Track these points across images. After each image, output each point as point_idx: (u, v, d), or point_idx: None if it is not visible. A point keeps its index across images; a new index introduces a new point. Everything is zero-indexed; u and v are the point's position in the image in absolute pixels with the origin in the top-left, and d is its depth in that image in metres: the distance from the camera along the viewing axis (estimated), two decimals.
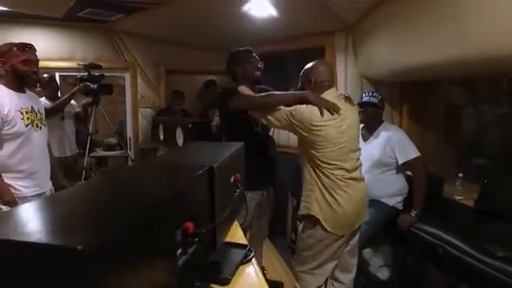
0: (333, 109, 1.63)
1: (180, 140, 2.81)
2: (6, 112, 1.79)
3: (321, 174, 1.68)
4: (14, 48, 1.84)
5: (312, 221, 1.74)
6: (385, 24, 2.33)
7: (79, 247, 0.35)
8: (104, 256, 0.40)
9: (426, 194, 2.16)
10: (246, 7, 2.65)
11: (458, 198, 2.36)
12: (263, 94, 1.85)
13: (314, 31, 3.14)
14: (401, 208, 2.32)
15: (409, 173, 2.37)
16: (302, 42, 3.31)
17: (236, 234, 0.96)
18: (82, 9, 3.03)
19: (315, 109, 1.62)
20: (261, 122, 1.87)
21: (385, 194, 2.31)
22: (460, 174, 2.35)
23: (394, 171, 2.32)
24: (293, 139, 2.35)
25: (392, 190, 2.33)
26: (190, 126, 2.73)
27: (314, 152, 1.67)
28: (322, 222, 1.69)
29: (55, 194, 1.99)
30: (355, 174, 1.74)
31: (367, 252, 2.54)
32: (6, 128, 1.80)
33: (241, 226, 1.27)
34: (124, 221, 0.45)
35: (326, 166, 1.66)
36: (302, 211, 1.80)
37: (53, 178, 2.16)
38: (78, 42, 3.61)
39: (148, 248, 0.51)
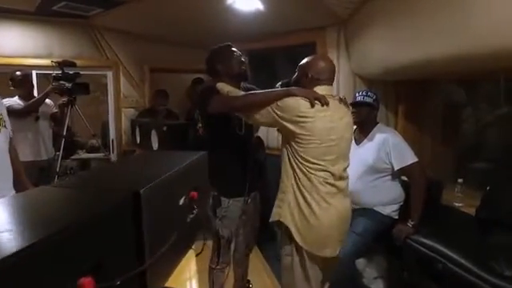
0: (322, 101, 1.46)
1: (155, 144, 2.61)
2: None
3: (299, 173, 1.49)
4: None
5: (286, 233, 1.55)
6: (379, 18, 2.17)
7: None
8: None
9: (425, 202, 1.98)
10: (230, 0, 2.47)
11: (457, 204, 2.19)
12: (243, 93, 1.66)
13: (303, 26, 2.96)
14: (396, 217, 2.14)
15: (405, 178, 2.19)
16: (292, 39, 3.13)
17: (185, 272, 0.77)
18: (56, 2, 2.84)
19: (303, 100, 1.46)
20: (245, 119, 1.70)
21: (379, 202, 2.13)
22: (460, 180, 2.18)
23: (389, 177, 2.14)
24: None
25: (387, 197, 2.15)
26: (164, 128, 2.54)
27: (296, 146, 1.48)
28: (293, 234, 1.50)
29: None
30: (341, 185, 1.55)
31: (360, 262, 2.37)
32: None
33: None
34: None
35: (308, 164, 1.47)
36: (273, 217, 1.61)
37: (17, 183, 1.98)
38: (55, 38, 3.42)
39: None
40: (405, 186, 2.18)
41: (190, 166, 0.77)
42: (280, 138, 1.67)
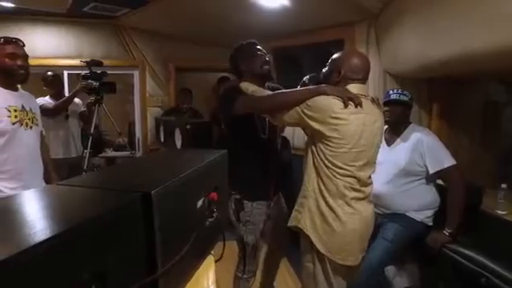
0: (356, 101, 1.35)
1: (179, 142, 2.60)
2: None
3: (324, 177, 1.39)
4: (0, 42, 1.76)
5: (307, 239, 1.46)
6: (413, 11, 2.04)
7: None
8: None
9: (464, 208, 1.83)
10: None
11: (500, 212, 2.01)
12: (270, 93, 1.58)
13: (331, 23, 2.85)
14: (430, 224, 2.00)
15: (440, 182, 2.04)
16: (319, 36, 3.02)
17: (202, 281, 0.71)
18: (85, 3, 2.91)
19: (336, 99, 1.35)
20: (270, 120, 1.63)
21: (411, 207, 2.00)
22: (503, 185, 2.00)
23: (423, 181, 1.99)
24: None
25: (420, 202, 2.01)
26: (188, 127, 2.52)
27: (324, 150, 1.38)
28: (314, 242, 1.41)
29: None
30: (366, 190, 1.45)
31: (390, 270, 2.24)
32: None
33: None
34: None
35: (335, 169, 1.37)
36: (291, 222, 1.52)
37: (47, 180, 2.04)
38: (85, 39, 3.52)
39: None
40: (440, 190, 2.04)
41: (209, 165, 0.72)
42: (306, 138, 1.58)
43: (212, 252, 0.78)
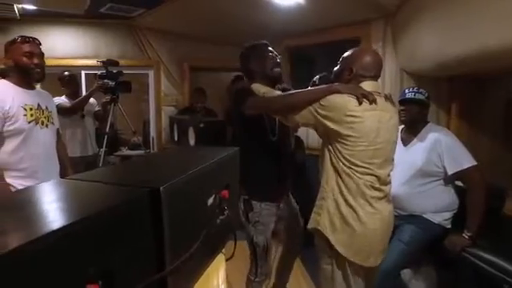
0: (370, 98, 1.32)
1: (192, 140, 2.60)
2: (7, 108, 1.73)
3: (344, 176, 1.36)
4: (17, 41, 1.80)
5: (326, 241, 1.43)
6: (431, 7, 1.99)
7: None
8: None
9: (485, 211, 1.76)
10: None
11: None
12: (282, 93, 1.56)
13: (347, 21, 2.81)
14: (449, 226, 1.94)
15: (459, 183, 1.98)
16: (334, 34, 2.98)
17: (213, 275, 0.70)
18: (102, 4, 2.95)
19: (350, 97, 1.32)
20: (283, 121, 1.60)
21: (428, 208, 1.94)
22: None
23: (441, 182, 1.93)
24: None
25: (438, 204, 1.94)
26: (201, 125, 2.52)
27: (341, 149, 1.36)
28: (334, 244, 1.38)
29: None
30: (386, 189, 1.42)
31: (406, 273, 2.19)
32: (7, 124, 1.74)
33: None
34: None
35: (354, 167, 1.34)
36: (310, 224, 1.50)
37: (64, 176, 2.08)
38: (102, 39, 3.59)
39: None
40: (459, 192, 1.97)
41: (220, 162, 0.70)
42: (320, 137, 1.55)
43: (223, 251, 0.77)
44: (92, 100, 3.23)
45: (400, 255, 1.86)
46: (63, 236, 0.34)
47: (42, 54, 1.85)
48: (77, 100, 3.04)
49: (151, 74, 3.82)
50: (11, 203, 0.44)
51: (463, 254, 1.73)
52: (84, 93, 3.47)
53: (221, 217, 0.72)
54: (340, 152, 1.36)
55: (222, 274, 0.80)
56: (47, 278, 0.33)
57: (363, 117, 1.31)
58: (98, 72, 3.06)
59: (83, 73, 3.79)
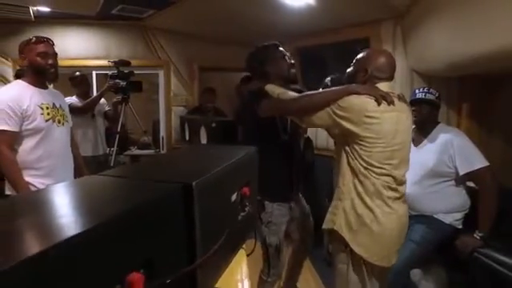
0: (388, 99, 1.33)
1: (204, 140, 2.63)
2: (25, 107, 1.77)
3: (362, 177, 1.37)
4: (32, 42, 1.83)
5: (341, 240, 1.44)
6: (443, 6, 1.98)
7: None
8: None
9: (497, 212, 1.76)
10: None
11: None
12: (298, 95, 1.55)
13: (357, 21, 2.81)
14: (460, 227, 1.94)
15: (470, 184, 1.97)
16: (343, 34, 2.98)
17: (235, 273, 0.72)
18: (113, 6, 3.00)
19: (368, 98, 1.33)
20: (298, 122, 1.61)
21: (439, 209, 1.94)
22: None
23: (452, 182, 1.93)
24: (332, 141, 2.07)
25: (449, 204, 1.95)
26: (213, 125, 2.54)
27: (359, 150, 1.37)
28: (350, 243, 1.39)
29: None
30: (402, 189, 1.43)
31: (415, 273, 2.18)
32: (25, 123, 1.78)
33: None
34: None
35: (372, 168, 1.36)
36: (326, 224, 1.51)
37: (78, 175, 2.12)
38: (112, 40, 3.63)
39: None
40: (470, 193, 1.97)
41: (242, 160, 0.73)
42: (330, 138, 1.56)
43: (244, 246, 0.79)
44: (102, 100, 3.27)
45: (411, 255, 1.86)
46: (112, 227, 0.36)
47: (55, 54, 1.88)
48: (89, 99, 3.08)
49: (161, 74, 3.86)
50: (64, 197, 0.47)
51: (475, 254, 1.73)
52: (95, 93, 3.52)
53: (242, 213, 0.74)
54: (357, 153, 1.37)
55: (244, 269, 0.82)
56: (100, 264, 0.35)
57: (381, 118, 1.33)
58: (109, 72, 3.11)
59: (94, 73, 3.84)
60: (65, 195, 0.49)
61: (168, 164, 0.73)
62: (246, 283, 0.78)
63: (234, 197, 0.68)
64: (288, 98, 1.55)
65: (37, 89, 1.86)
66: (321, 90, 1.58)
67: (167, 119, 3.90)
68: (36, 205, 0.44)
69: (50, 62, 1.83)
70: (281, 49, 1.82)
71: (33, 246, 0.32)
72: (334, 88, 1.47)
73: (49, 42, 1.85)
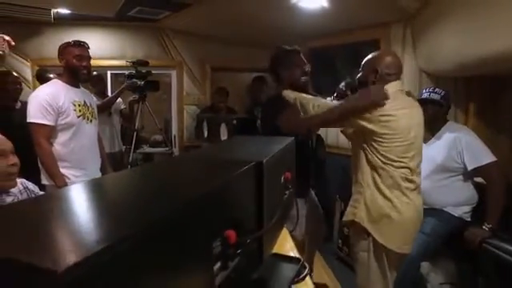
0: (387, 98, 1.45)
1: (224, 137, 2.73)
2: (60, 103, 1.91)
3: (381, 171, 1.48)
4: (70, 45, 1.98)
5: (362, 229, 1.54)
6: (452, 8, 2.07)
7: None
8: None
9: (504, 205, 1.85)
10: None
11: None
12: (311, 97, 1.66)
13: (367, 23, 2.91)
14: (468, 219, 2.03)
15: (478, 180, 2.07)
16: (354, 36, 3.08)
17: (284, 244, 0.83)
18: (131, 8, 3.10)
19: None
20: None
21: (448, 202, 2.03)
22: None
23: (461, 177, 2.03)
24: (342, 139, 2.16)
25: (458, 198, 2.04)
26: (234, 122, 2.64)
27: (376, 146, 1.48)
28: (372, 233, 1.50)
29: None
30: (417, 180, 1.53)
31: (424, 266, 2.27)
32: (60, 118, 1.91)
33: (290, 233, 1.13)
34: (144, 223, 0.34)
35: (390, 162, 1.47)
36: (347, 216, 1.61)
37: (102, 170, 2.22)
38: (128, 40, 3.73)
39: (178, 261, 0.39)
40: (478, 187, 2.06)
41: (288, 147, 0.83)
42: (340, 136, 1.67)
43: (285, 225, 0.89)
44: (118, 99, 3.38)
45: (422, 246, 1.94)
46: (213, 196, 0.46)
47: (89, 58, 2.02)
48: (107, 98, 3.19)
49: (174, 74, 3.96)
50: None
51: (484, 245, 1.82)
52: (109, 92, 3.62)
53: (285, 195, 0.84)
54: (376, 149, 1.48)
55: (290, 242, 0.91)
56: (208, 223, 0.46)
57: (397, 115, 1.44)
58: (127, 72, 3.21)
59: (109, 73, 3.95)
60: (165, 174, 0.59)
61: (231, 150, 0.83)
62: (295, 253, 0.88)
63: (282, 179, 0.78)
64: (325, 113, 1.58)
65: (71, 87, 2.00)
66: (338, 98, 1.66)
67: (179, 118, 3.99)
68: (149, 177, 0.54)
69: (84, 64, 1.98)
70: (299, 56, 1.89)
71: (163, 205, 0.41)
72: (357, 103, 1.50)
73: (84, 46, 2.00)
